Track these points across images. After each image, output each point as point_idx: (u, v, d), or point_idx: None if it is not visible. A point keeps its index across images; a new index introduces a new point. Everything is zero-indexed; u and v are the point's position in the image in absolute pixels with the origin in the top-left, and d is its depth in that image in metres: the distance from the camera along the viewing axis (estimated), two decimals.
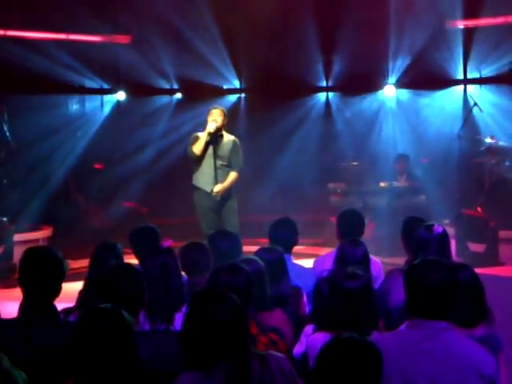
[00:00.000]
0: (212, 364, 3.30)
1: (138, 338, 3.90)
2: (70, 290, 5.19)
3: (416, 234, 5.41)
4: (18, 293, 4.24)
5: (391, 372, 3.34)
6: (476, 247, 11.01)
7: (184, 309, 4.71)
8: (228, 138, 9.50)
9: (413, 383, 3.45)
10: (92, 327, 3.27)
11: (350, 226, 6.44)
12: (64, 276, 4.11)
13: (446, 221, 11.30)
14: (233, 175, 9.47)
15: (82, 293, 5.03)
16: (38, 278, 4.01)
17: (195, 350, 3.36)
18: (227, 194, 9.44)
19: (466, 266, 4.37)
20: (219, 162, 9.38)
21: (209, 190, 9.36)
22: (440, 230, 5.37)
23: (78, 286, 5.25)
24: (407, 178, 12.64)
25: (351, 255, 5.55)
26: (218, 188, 9.35)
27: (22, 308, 4.10)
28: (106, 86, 14.49)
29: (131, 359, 3.30)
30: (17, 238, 10.92)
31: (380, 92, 14.49)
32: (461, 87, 14.09)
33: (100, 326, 3.26)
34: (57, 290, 4.07)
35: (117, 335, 3.27)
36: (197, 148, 9.32)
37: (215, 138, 9.34)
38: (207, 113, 9.46)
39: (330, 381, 2.81)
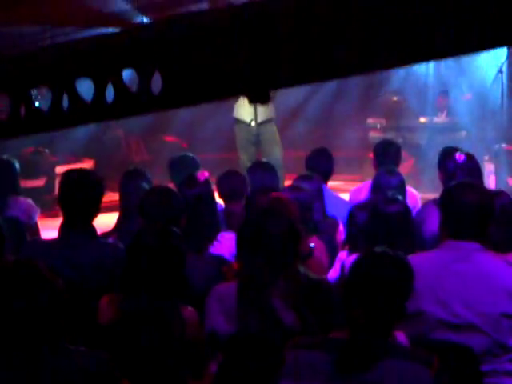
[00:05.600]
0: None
1: None
2: (112, 221, 5.28)
3: (445, 164, 5.43)
4: (60, 222, 4.32)
5: (423, 291, 3.37)
6: None
7: (220, 236, 4.77)
8: None
9: (445, 303, 3.48)
10: (142, 245, 3.38)
11: (386, 156, 6.48)
12: (102, 196, 4.16)
13: (486, 157, 11.19)
14: None
15: (120, 217, 5.11)
16: (77, 196, 4.07)
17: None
18: (267, 127, 9.42)
19: (501, 192, 4.37)
20: None
21: (248, 120, 9.34)
22: (462, 158, 5.34)
23: None
24: (448, 113, 12.50)
25: (387, 183, 5.57)
26: None
27: (62, 228, 4.18)
28: None
29: (179, 277, 3.41)
30: (59, 169, 11.00)
31: None
32: None
33: (151, 244, 3.38)
34: (95, 210, 4.13)
35: (167, 254, 3.38)
36: None
37: None
38: None
39: (361, 290, 2.84)
